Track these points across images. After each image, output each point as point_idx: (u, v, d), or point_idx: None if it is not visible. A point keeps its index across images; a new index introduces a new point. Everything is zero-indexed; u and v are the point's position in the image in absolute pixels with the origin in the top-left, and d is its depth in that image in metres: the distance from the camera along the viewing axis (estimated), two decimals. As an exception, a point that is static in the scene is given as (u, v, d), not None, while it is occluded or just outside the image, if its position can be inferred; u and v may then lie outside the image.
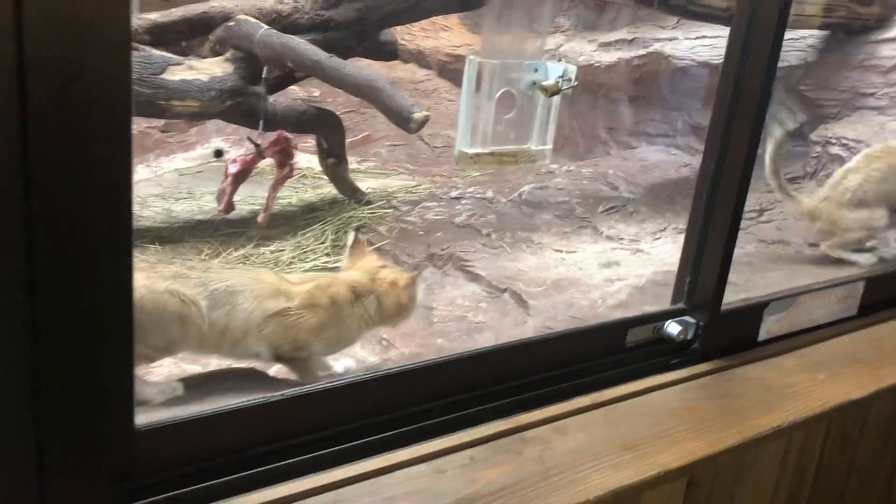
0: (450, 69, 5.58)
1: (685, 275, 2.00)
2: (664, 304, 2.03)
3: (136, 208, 3.79)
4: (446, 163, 4.75)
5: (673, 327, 1.94)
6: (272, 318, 1.78)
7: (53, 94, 0.98)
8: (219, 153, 4.61)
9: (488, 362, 1.71)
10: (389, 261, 3.08)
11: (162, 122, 4.42)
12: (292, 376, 1.86)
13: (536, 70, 1.48)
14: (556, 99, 1.53)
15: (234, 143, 4.66)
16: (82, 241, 1.07)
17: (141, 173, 4.17)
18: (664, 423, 1.73)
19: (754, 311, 2.10)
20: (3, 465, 1.13)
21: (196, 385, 1.72)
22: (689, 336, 1.95)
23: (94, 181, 1.04)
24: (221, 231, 3.40)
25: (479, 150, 1.44)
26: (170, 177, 4.24)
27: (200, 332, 1.69)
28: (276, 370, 1.91)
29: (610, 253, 3.00)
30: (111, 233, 1.10)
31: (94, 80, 1.00)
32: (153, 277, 1.67)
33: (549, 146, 1.55)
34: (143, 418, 1.29)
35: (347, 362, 2.00)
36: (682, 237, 1.96)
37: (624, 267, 2.87)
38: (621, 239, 3.14)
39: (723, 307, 1.99)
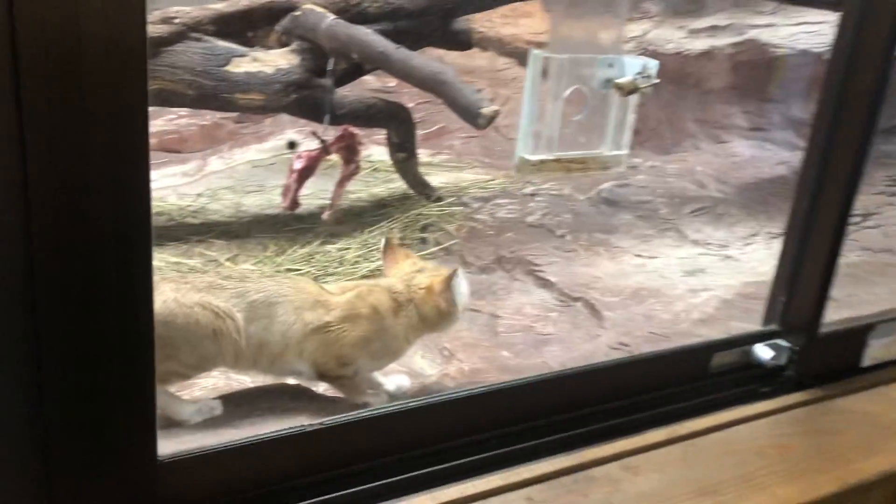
0: (530, 57, 5.34)
1: (780, 291, 1.81)
2: (755, 320, 1.85)
3: (205, 201, 3.78)
4: (523, 156, 4.57)
5: (763, 351, 1.76)
6: (312, 333, 1.66)
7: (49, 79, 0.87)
8: (292, 145, 4.54)
9: (551, 389, 1.57)
10: (456, 262, 2.94)
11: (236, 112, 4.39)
12: (340, 395, 1.74)
13: (611, 65, 1.30)
14: (634, 98, 1.34)
15: (308, 134, 4.59)
16: (88, 251, 0.97)
17: (214, 165, 4.14)
18: (750, 463, 1.55)
19: (858, 334, 1.89)
20: (10, 499, 1.05)
21: (236, 402, 1.62)
22: (782, 362, 1.77)
23: (99, 185, 0.93)
24: (289, 227, 3.32)
25: (544, 157, 1.27)
26: (242, 169, 4.20)
27: (237, 347, 1.58)
28: (325, 388, 1.80)
29: (695, 259, 2.77)
30: (123, 241, 0.99)
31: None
32: (184, 289, 1.57)
33: (625, 151, 1.37)
34: (171, 446, 1.19)
35: (400, 380, 1.86)
36: (775, 243, 1.74)
37: (710, 275, 2.64)
38: (708, 244, 2.91)
39: (821, 329, 1.78)
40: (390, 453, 1.38)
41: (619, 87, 1.28)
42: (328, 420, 1.33)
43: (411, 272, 1.80)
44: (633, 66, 1.30)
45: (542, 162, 1.28)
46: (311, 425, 1.32)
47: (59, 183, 0.91)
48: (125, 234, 0.99)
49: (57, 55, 0.86)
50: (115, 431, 1.09)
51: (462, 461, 1.43)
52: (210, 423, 1.52)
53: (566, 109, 1.30)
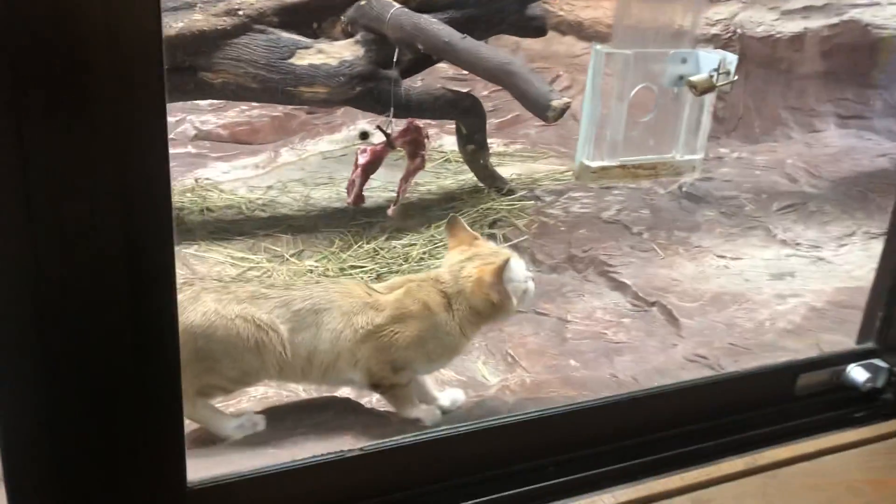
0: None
1: (878, 304, 1.64)
2: (848, 332, 1.67)
3: (275, 194, 3.76)
4: (601, 146, 4.39)
5: (858, 373, 1.62)
6: (364, 338, 1.57)
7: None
8: (364, 135, 4.50)
9: (616, 413, 1.45)
10: (525, 260, 2.81)
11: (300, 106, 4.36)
12: (391, 409, 1.64)
13: (685, 61, 1.16)
14: (710, 98, 1.20)
15: (379, 125, 4.55)
16: (101, 264, 0.90)
17: (285, 156, 4.12)
18: (840, 500, 1.39)
19: (967, 354, 1.68)
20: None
21: (280, 417, 1.55)
22: (879, 384, 1.61)
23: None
24: (356, 221, 3.27)
25: (606, 163, 1.14)
26: (314, 160, 4.18)
27: (281, 359, 1.51)
28: (376, 400, 1.71)
29: (783, 261, 2.56)
30: (139, 252, 0.91)
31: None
32: (225, 301, 1.50)
33: (699, 156, 1.23)
34: (200, 471, 1.12)
35: (455, 394, 1.75)
36: (875, 244, 1.55)
37: (800, 280, 2.43)
38: (798, 244, 2.68)
39: (924, 347, 1.60)
40: (437, 481, 1.29)
41: (693, 86, 1.13)
42: (369, 445, 1.25)
43: (461, 261, 1.64)
44: (708, 62, 1.15)
45: (604, 169, 1.15)
46: (350, 451, 1.23)
47: (62, 191, 0.84)
48: (141, 245, 0.92)
49: (58, 48, 0.79)
50: (140, 456, 1.03)
51: (516, 491, 1.33)
52: (250, 441, 1.46)
53: (633, 110, 1.17)
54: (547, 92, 2.39)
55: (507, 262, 1.59)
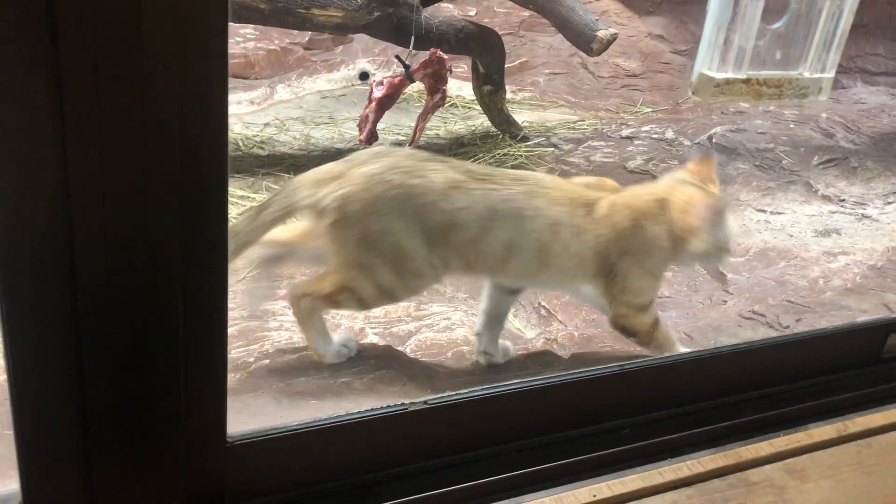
0: (623, -11, 4.92)
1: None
2: None
3: (272, 131, 3.52)
4: (614, 96, 4.19)
5: None
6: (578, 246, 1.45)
7: None
8: (364, 76, 4.27)
9: (696, 371, 1.30)
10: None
11: (305, 37, 4.10)
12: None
13: (830, -44, 0.97)
14: (850, 4, 1.01)
15: (381, 65, 4.30)
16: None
17: (281, 93, 3.88)
18: (944, 473, 1.24)
19: None
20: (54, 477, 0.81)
21: (314, 364, 1.36)
22: (973, 347, 1.43)
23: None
24: (362, 162, 3.05)
25: (731, 75, 0.96)
26: (311, 99, 3.93)
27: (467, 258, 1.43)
28: (414, 348, 1.52)
29: (828, 218, 2.40)
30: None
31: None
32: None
33: (830, 75, 1.04)
34: (237, 424, 0.94)
35: (506, 346, 1.57)
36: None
37: (847, 238, 2.28)
38: (842, 200, 2.53)
39: None
40: (504, 441, 1.13)
41: (844, -17, 0.95)
42: (434, 399, 1.07)
43: (678, 183, 1.50)
44: (859, -42, 0.97)
45: (729, 82, 0.97)
46: (413, 404, 1.06)
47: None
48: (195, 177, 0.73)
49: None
50: (180, 406, 0.86)
51: (589, 455, 1.19)
52: (285, 390, 1.27)
53: (763, 14, 0.98)
54: (592, 21, 2.18)
55: (720, 201, 1.52)
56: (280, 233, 1.51)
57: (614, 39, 2.16)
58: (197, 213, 0.78)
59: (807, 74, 1.04)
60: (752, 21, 0.95)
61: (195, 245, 0.79)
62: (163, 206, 0.75)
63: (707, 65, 0.95)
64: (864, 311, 1.82)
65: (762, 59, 0.99)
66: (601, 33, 2.14)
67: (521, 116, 3.65)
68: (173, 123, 0.72)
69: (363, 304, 1.42)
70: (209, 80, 0.73)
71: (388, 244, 1.39)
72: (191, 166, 0.75)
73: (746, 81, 0.99)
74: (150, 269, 0.78)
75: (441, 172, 1.43)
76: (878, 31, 3.58)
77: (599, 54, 2.24)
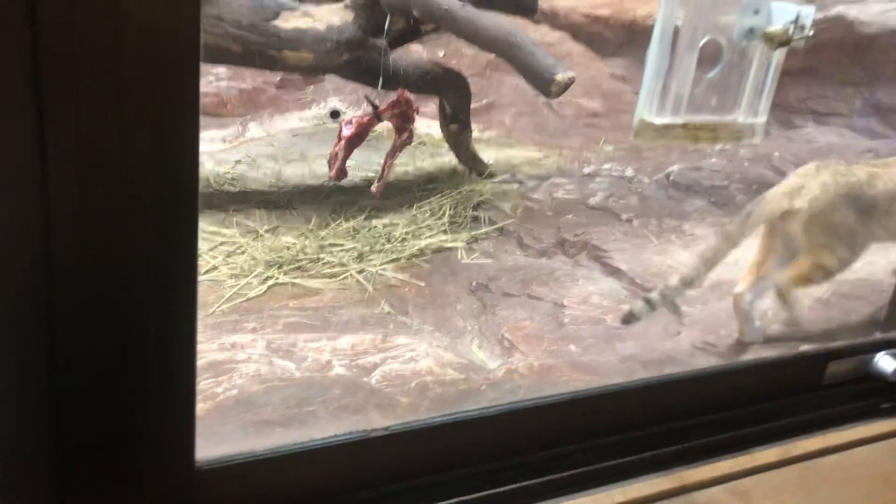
0: (586, 31, 5.09)
1: (905, 294, 1.56)
2: (855, 321, 1.61)
3: (244, 168, 3.58)
4: (577, 135, 4.31)
5: (888, 362, 1.53)
6: None
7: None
8: (335, 114, 4.35)
9: (646, 397, 1.36)
10: (512, 244, 2.71)
11: (277, 77, 4.18)
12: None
13: (757, 12, 1.06)
14: (778, 56, 1.10)
15: (352, 103, 4.39)
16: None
17: (253, 131, 3.95)
18: (879, 495, 1.34)
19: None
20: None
21: (280, 394, 1.41)
22: (907, 374, 1.52)
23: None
24: (332, 199, 3.12)
25: (670, 120, 1.04)
26: (283, 137, 4.01)
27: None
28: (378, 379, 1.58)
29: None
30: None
31: None
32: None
33: (763, 119, 1.13)
34: (205, 450, 0.99)
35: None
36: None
37: (798, 270, 2.38)
38: (793, 236, 2.63)
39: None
40: (463, 465, 1.18)
41: (770, 38, 1.04)
42: (395, 425, 1.12)
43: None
44: (784, 14, 1.06)
45: (668, 127, 1.05)
46: (375, 430, 1.11)
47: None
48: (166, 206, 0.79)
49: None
50: (148, 431, 0.89)
51: (543, 479, 1.23)
52: (251, 419, 1.31)
53: (698, 64, 1.07)
54: (551, 65, 2.28)
55: None
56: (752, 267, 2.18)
57: (572, 82, 2.26)
58: (167, 247, 0.83)
59: (741, 119, 1.12)
60: (687, 70, 1.03)
61: (165, 278, 0.84)
62: (135, 238, 0.80)
63: (647, 111, 1.04)
64: (808, 340, 1.92)
65: (699, 105, 1.08)
66: (559, 77, 2.25)
67: (489, 154, 3.75)
68: (147, 157, 0.78)
69: (829, 275, 2.01)
70: (178, 117, 0.78)
71: (844, 227, 1.98)
72: (162, 204, 0.80)
73: (684, 126, 1.07)
74: (122, 299, 0.83)
75: (862, 168, 2.05)
76: (826, 75, 3.75)
77: (558, 96, 2.34)
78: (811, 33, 1.06)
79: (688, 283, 2.00)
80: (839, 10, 3.70)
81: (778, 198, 2.07)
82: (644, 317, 1.95)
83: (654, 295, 1.99)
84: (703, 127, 1.08)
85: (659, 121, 1.03)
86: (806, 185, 2.02)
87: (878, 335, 1.61)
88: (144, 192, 0.77)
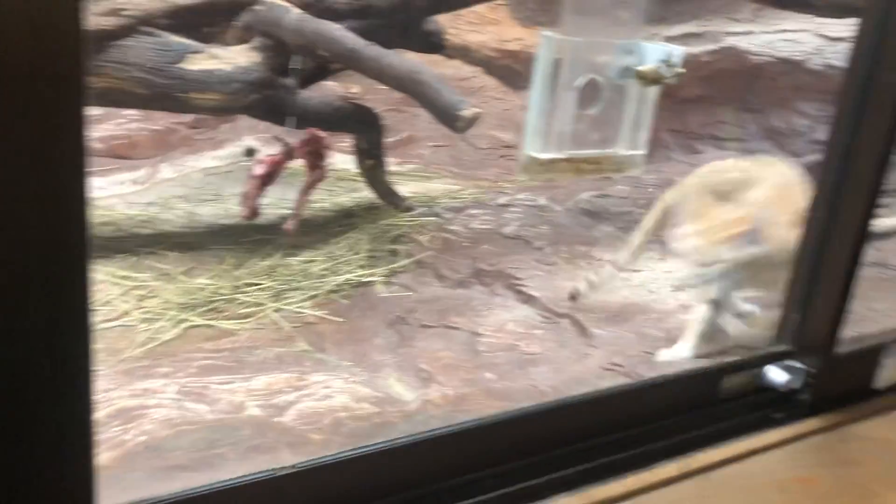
0: (498, 65, 5.21)
1: (792, 309, 1.67)
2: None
3: (156, 210, 3.52)
4: (493, 166, 4.41)
5: (777, 374, 1.63)
6: None
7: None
8: (250, 152, 4.33)
9: (550, 420, 1.41)
10: (430, 275, 2.75)
11: (190, 117, 4.15)
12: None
13: (630, 52, 1.14)
14: (654, 92, 1.18)
15: (266, 141, 4.38)
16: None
17: (165, 172, 3.89)
18: (773, 500, 1.39)
19: (871, 354, 1.76)
20: None
21: (189, 438, 1.40)
22: (798, 385, 1.64)
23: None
24: (248, 238, 3.10)
25: (555, 156, 1.10)
26: (196, 177, 3.96)
27: None
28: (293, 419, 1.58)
29: (682, 273, 2.62)
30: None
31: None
32: None
33: (642, 151, 1.21)
34: (109, 497, 0.98)
35: None
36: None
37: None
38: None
39: (837, 348, 1.66)
40: (371, 499, 1.20)
41: (642, 77, 1.11)
42: (302, 462, 1.14)
43: None
44: (655, 54, 1.14)
45: (553, 161, 1.11)
46: (282, 468, 1.12)
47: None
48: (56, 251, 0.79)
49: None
50: (42, 478, 0.88)
51: (453, 506, 1.24)
52: (157, 463, 1.30)
53: (578, 102, 1.13)
54: (457, 102, 2.35)
55: None
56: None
57: (478, 118, 2.34)
58: (59, 294, 0.83)
59: (621, 152, 1.20)
60: (568, 108, 1.10)
61: (55, 336, 0.84)
62: (26, 286, 0.80)
63: (532, 147, 1.09)
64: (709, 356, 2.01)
65: (581, 140, 1.14)
66: (464, 113, 2.32)
67: (408, 187, 3.80)
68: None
69: None
70: (62, 168, 0.78)
71: None
72: (51, 252, 0.80)
73: (568, 160, 1.13)
74: (13, 348, 0.82)
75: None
76: (724, 102, 3.95)
77: (465, 131, 2.41)
78: (682, 71, 1.14)
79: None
80: (731, 41, 3.92)
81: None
82: (586, 296, 2.25)
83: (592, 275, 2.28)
84: (586, 160, 1.14)
85: (544, 156, 1.09)
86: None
87: (769, 348, 1.70)
88: (25, 249, 0.77)
